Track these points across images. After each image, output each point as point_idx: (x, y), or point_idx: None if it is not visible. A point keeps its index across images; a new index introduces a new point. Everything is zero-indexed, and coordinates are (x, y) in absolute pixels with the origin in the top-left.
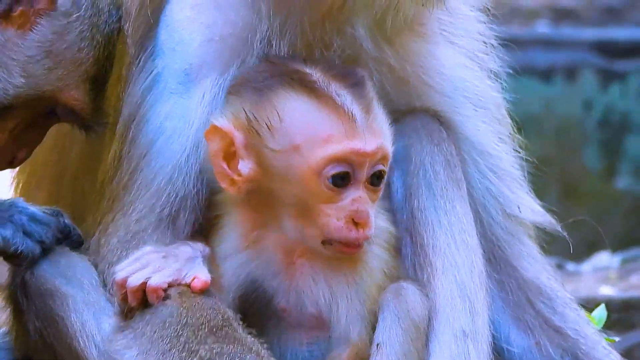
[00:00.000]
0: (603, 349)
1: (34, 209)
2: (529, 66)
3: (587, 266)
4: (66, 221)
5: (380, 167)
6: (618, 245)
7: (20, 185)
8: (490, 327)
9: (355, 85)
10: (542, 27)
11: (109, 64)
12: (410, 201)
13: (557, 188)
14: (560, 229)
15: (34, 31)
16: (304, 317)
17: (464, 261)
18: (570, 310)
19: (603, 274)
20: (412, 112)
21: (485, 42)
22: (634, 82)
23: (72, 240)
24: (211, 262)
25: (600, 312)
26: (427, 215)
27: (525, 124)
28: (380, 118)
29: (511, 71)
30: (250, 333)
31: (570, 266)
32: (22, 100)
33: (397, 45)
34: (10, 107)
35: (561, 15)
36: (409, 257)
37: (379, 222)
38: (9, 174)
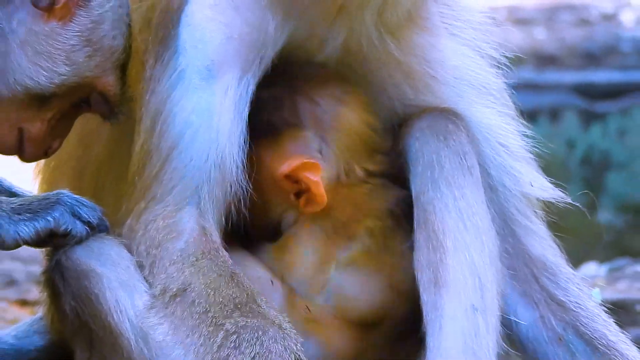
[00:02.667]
0: (603, 320)
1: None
2: (515, 109)
3: None
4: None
5: None
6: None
7: (44, 179)
8: (499, 302)
9: None
10: (527, 72)
11: (130, 54)
12: (420, 199)
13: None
14: (570, 200)
15: (74, 22)
16: None
17: (473, 241)
18: (573, 285)
19: (592, 282)
20: (418, 114)
21: (485, 31)
22: (614, 122)
23: (99, 230)
24: None
25: (595, 294)
26: (435, 205)
27: None
28: None
29: None
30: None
31: None
32: (65, 88)
33: (401, 39)
34: (52, 96)
35: (544, 60)
36: (422, 241)
37: None
38: (32, 169)
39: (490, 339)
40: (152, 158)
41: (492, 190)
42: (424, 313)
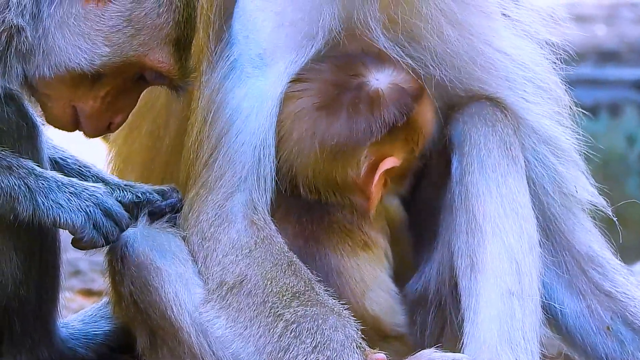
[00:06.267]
0: None
1: (110, 202)
2: (576, 104)
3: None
4: (180, 196)
5: None
6: None
7: (116, 167)
8: (540, 288)
9: None
10: (587, 68)
11: (190, 26)
12: (464, 177)
13: (602, 216)
14: (610, 212)
15: (114, 2)
16: None
17: (512, 227)
18: (620, 276)
19: None
20: (467, 100)
21: (540, 14)
22: None
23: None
24: None
25: None
26: (479, 187)
27: None
28: None
29: None
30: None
31: None
32: (109, 68)
33: (453, 19)
34: (99, 75)
35: (604, 57)
36: (462, 225)
37: None
38: (105, 157)
39: (527, 323)
40: (203, 146)
41: (535, 185)
42: (462, 299)
